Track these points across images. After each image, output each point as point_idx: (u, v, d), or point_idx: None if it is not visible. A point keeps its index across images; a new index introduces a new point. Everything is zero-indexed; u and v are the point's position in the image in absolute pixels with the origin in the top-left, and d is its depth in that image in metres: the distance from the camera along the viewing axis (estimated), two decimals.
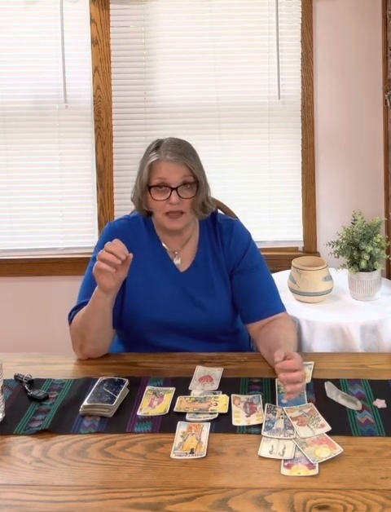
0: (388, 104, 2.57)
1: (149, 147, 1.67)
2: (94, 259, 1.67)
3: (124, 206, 2.73)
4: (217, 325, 1.69)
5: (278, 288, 1.74)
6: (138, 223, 1.74)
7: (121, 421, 1.32)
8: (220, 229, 1.73)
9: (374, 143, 2.75)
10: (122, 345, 1.77)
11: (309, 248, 2.81)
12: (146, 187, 1.63)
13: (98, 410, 1.33)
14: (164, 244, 1.72)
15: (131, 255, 1.49)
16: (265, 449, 1.20)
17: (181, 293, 1.68)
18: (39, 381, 1.49)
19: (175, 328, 1.66)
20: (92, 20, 2.71)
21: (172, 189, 1.60)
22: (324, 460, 1.16)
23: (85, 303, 1.61)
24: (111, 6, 2.71)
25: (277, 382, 1.46)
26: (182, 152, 1.62)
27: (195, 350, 1.64)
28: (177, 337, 1.67)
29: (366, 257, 2.18)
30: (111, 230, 1.74)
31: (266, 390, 1.43)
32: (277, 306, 1.68)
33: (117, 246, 1.48)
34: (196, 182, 1.63)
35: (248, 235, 1.75)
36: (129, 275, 1.64)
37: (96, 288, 1.53)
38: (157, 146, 1.64)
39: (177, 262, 1.71)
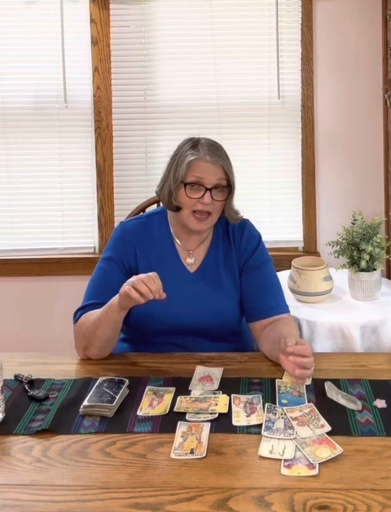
0: (388, 104, 2.57)
1: (183, 145, 1.67)
2: (104, 260, 1.69)
3: (124, 206, 2.73)
4: (226, 325, 1.70)
5: None
6: (151, 224, 1.74)
7: (121, 421, 1.32)
8: (232, 228, 1.75)
9: (374, 143, 2.75)
10: (127, 343, 1.77)
11: (309, 248, 2.81)
12: (180, 183, 1.63)
13: (98, 410, 1.33)
14: (178, 243, 1.72)
15: (165, 296, 1.44)
16: (265, 449, 1.20)
17: (191, 294, 1.68)
18: (39, 381, 1.49)
19: (184, 328, 1.67)
20: (92, 20, 2.71)
21: (206, 189, 1.61)
22: (324, 460, 1.16)
23: (92, 304, 1.62)
24: (111, 6, 2.71)
25: (277, 382, 1.46)
26: (222, 155, 1.64)
27: (202, 350, 1.65)
28: (185, 336, 1.67)
29: (366, 257, 2.18)
30: (123, 230, 1.73)
31: (266, 390, 1.43)
32: (281, 307, 1.70)
33: (156, 284, 1.43)
34: (229, 186, 1.65)
35: (259, 234, 1.78)
36: (141, 273, 1.64)
37: (113, 301, 1.51)
38: (195, 144, 1.65)
39: (190, 261, 1.72)
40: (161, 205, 1.76)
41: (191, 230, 1.68)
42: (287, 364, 1.37)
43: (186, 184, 1.62)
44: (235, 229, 1.75)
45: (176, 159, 1.66)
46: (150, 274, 1.45)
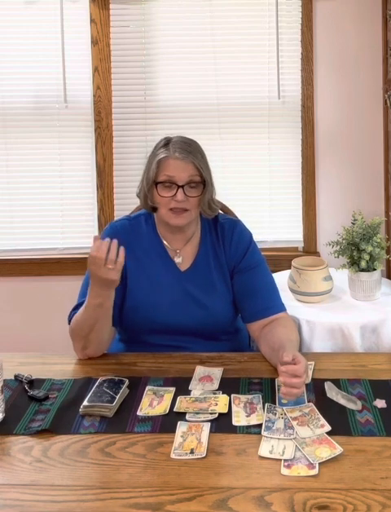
0: (388, 104, 2.57)
1: (158, 144, 1.67)
2: None
3: (124, 206, 2.73)
4: (218, 324, 1.70)
5: (278, 288, 1.74)
6: (139, 223, 1.74)
7: (121, 421, 1.32)
8: (222, 229, 1.74)
9: (374, 143, 2.75)
10: (122, 344, 1.77)
11: (309, 248, 2.81)
12: (153, 183, 1.63)
13: (98, 410, 1.33)
14: (165, 243, 1.72)
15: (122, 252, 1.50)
16: (265, 449, 1.20)
17: (181, 293, 1.68)
18: (39, 381, 1.49)
19: (176, 327, 1.67)
20: (92, 20, 2.71)
21: (178, 187, 1.60)
22: (324, 460, 1.16)
23: (83, 303, 1.61)
24: (111, 6, 2.71)
25: (277, 382, 1.46)
26: (191, 150, 1.63)
27: (195, 349, 1.65)
28: (178, 336, 1.67)
29: (366, 257, 2.18)
30: (111, 229, 1.74)
31: (266, 390, 1.43)
32: (278, 306, 1.69)
33: (105, 252, 1.48)
34: (203, 182, 1.64)
35: (250, 235, 1.76)
36: (130, 274, 1.65)
37: (98, 290, 1.52)
38: (166, 143, 1.64)
39: (178, 260, 1.71)
40: None
41: (171, 226, 1.67)
42: (280, 379, 1.36)
43: (157, 183, 1.62)
44: (225, 230, 1.74)
45: (149, 160, 1.66)
46: (92, 252, 1.49)
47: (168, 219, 1.65)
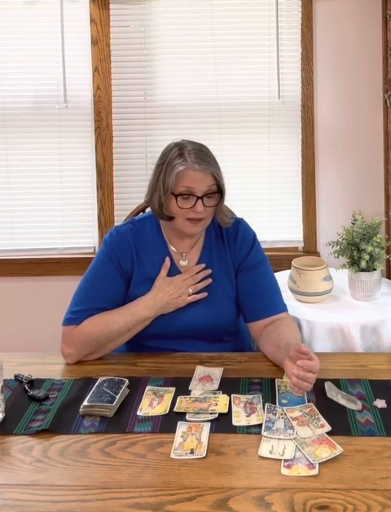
0: (388, 104, 2.57)
1: (169, 153, 1.61)
2: (99, 260, 1.67)
3: (124, 206, 2.73)
4: (222, 325, 1.70)
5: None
6: (144, 227, 1.72)
7: (121, 421, 1.32)
8: (225, 228, 1.73)
9: (374, 143, 2.76)
10: (125, 346, 1.76)
11: (309, 248, 2.81)
12: (170, 194, 1.60)
13: (98, 410, 1.33)
14: (172, 248, 1.71)
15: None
16: (265, 449, 1.20)
17: None
18: (39, 381, 1.49)
19: (179, 330, 1.66)
20: (92, 20, 2.71)
21: (197, 198, 1.59)
22: (324, 460, 1.16)
23: (92, 309, 1.61)
24: (111, 6, 2.71)
25: (277, 382, 1.46)
26: (210, 161, 1.61)
27: (198, 351, 1.64)
28: (181, 340, 1.67)
29: (366, 257, 2.18)
30: (119, 234, 1.70)
31: (266, 390, 1.43)
32: (280, 306, 1.69)
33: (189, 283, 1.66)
34: (219, 191, 1.63)
35: (253, 233, 1.76)
36: (134, 278, 1.65)
37: (158, 308, 1.62)
38: (181, 152, 1.60)
39: (183, 263, 1.71)
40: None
41: (184, 234, 1.67)
42: (290, 371, 1.36)
43: (176, 195, 1.59)
44: (228, 230, 1.73)
45: (163, 168, 1.60)
46: (177, 280, 1.65)
47: (184, 229, 1.63)
